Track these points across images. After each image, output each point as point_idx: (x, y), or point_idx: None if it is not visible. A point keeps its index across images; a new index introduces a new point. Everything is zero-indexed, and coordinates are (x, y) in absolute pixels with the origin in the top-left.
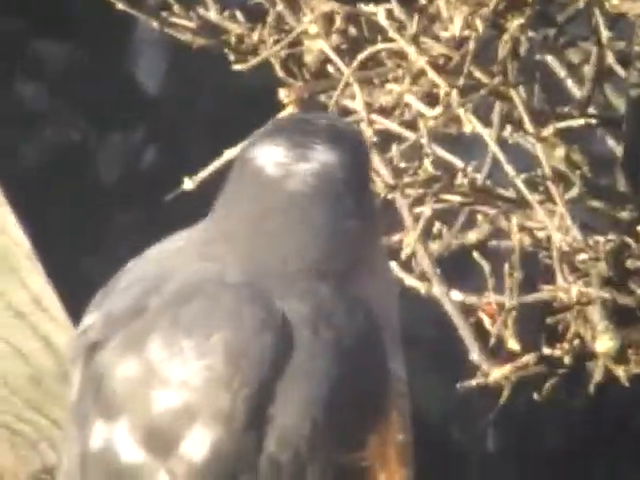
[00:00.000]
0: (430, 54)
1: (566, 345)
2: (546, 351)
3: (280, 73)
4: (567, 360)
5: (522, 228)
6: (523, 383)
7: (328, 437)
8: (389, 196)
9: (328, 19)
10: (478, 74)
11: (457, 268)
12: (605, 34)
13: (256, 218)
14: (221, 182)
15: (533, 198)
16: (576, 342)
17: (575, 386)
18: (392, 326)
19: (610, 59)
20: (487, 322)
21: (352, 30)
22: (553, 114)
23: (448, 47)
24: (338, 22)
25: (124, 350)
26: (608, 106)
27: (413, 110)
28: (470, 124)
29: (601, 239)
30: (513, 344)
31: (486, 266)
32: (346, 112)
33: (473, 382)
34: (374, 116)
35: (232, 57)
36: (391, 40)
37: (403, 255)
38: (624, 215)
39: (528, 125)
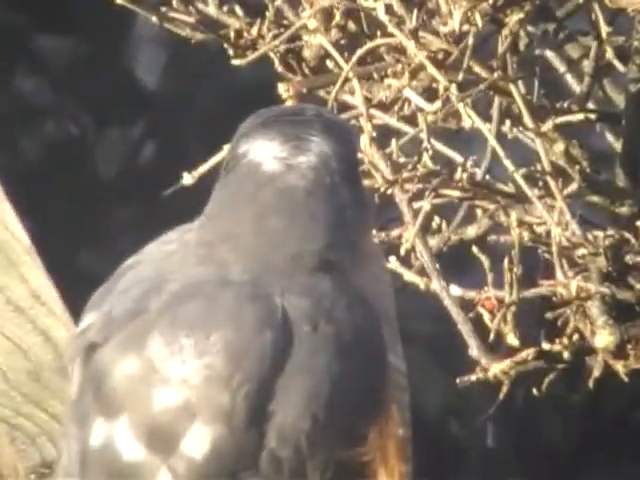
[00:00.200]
0: (429, 49)
1: (565, 340)
2: (545, 346)
3: (279, 68)
4: (566, 355)
5: (521, 223)
6: (522, 378)
7: (328, 432)
8: (388, 191)
9: (327, 14)
10: (477, 69)
11: (456, 263)
12: (604, 29)
13: (257, 217)
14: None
15: (532, 193)
16: (575, 337)
17: (574, 381)
18: (390, 318)
19: (609, 54)
20: (486, 317)
21: (351, 25)
22: (552, 109)
23: (447, 42)
24: (337, 17)
25: (124, 348)
26: (607, 101)
27: (412, 105)
28: (469, 119)
29: (600, 234)
30: (512, 339)
31: (485, 261)
32: (345, 107)
33: (472, 377)
34: (373, 111)
35: (231, 52)
36: (390, 35)
37: (402, 250)
38: (623, 210)
39: (527, 120)
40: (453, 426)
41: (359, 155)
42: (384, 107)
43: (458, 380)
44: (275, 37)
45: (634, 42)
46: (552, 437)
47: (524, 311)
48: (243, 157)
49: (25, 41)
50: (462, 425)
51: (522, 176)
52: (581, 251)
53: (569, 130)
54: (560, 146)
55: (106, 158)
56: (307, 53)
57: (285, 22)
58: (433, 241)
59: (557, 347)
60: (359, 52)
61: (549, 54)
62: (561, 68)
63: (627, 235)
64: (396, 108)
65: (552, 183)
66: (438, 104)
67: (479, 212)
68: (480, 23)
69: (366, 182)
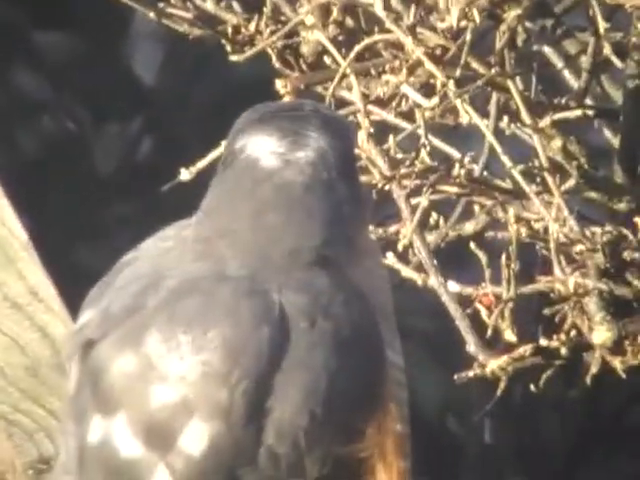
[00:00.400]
0: (427, 45)
1: (563, 336)
2: (543, 342)
3: (277, 64)
4: (564, 351)
5: (519, 219)
6: (520, 374)
7: (326, 428)
8: (386, 187)
9: (325, 10)
10: (475, 65)
11: (454, 259)
12: (602, 25)
13: (254, 212)
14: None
15: (530, 189)
16: (573, 333)
17: (572, 377)
18: (387, 314)
19: (607, 50)
20: (484, 313)
21: (349, 21)
22: (550, 105)
23: (445, 38)
24: (335, 13)
25: (122, 345)
26: (605, 97)
27: (410, 101)
28: (467, 115)
29: (598, 230)
30: (510, 335)
31: (483, 257)
32: (343, 103)
33: (470, 373)
34: (371, 107)
35: (229, 48)
36: (388, 31)
37: (400, 246)
38: (621, 206)
39: (525, 116)
40: (451, 422)
41: (356, 151)
42: (382, 103)
43: (456, 376)
44: (273, 33)
45: (632, 38)
46: (550, 433)
47: (522, 307)
48: (241, 152)
49: (23, 37)
50: (460, 421)
51: (520, 172)
52: (579, 247)
53: (567, 126)
54: (558, 142)
55: (104, 154)
56: (305, 49)
57: (283, 18)
58: (431, 237)
59: (555, 343)
60: (357, 48)
61: (547, 50)
62: (559, 64)
63: (625, 231)
64: (394, 104)
65: (550, 179)
66: (436, 100)
67: (477, 208)
68: (478, 19)
69: (363, 178)
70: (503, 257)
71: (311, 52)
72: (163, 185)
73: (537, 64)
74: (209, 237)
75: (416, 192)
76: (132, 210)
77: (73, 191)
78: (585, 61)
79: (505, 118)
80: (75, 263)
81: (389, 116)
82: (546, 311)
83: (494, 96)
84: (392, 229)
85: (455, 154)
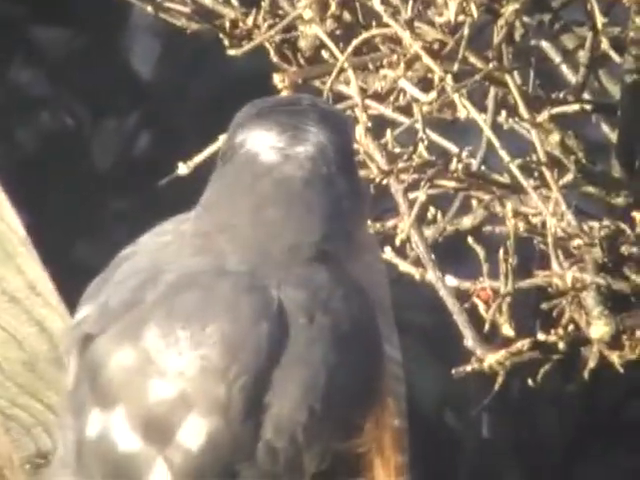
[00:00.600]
0: (425, 39)
1: (561, 331)
2: (540, 337)
3: (274, 58)
4: (562, 346)
5: (517, 213)
6: (517, 369)
7: (325, 424)
8: (384, 181)
9: (322, 4)
10: (473, 59)
11: (452, 254)
12: (600, 20)
13: (254, 207)
14: (215, 168)
15: (528, 184)
16: (571, 328)
17: (570, 372)
18: (385, 308)
19: (605, 45)
20: (482, 308)
21: (347, 15)
22: (548, 100)
23: (443, 32)
24: (333, 7)
25: (120, 339)
26: (603, 92)
27: (408, 95)
28: (465, 109)
29: (596, 225)
30: (507, 330)
31: (481, 252)
32: (341, 97)
33: (467, 368)
34: (369, 101)
35: (226, 42)
36: (386, 25)
37: (398, 240)
38: (619, 201)
39: (523, 110)
40: (448, 417)
41: (355, 145)
42: (379, 97)
43: (453, 371)
44: (270, 27)
45: (630, 32)
46: (547, 428)
47: (519, 302)
48: (240, 147)
49: (21, 32)
50: (457, 416)
51: (518, 167)
52: (577, 242)
53: (565, 121)
54: (556, 137)
55: (102, 149)
56: (302, 43)
57: (280, 12)
58: (428, 232)
59: (552, 338)
60: (354, 42)
61: (545, 44)
62: (557, 59)
63: (623, 226)
64: (391, 98)
65: (548, 174)
66: (433, 94)
67: (474, 203)
68: (475, 13)
69: (361, 172)
70: (501, 251)
71: (309, 46)
72: (161, 180)
73: (535, 59)
74: (208, 232)
75: (414, 186)
76: (130, 205)
77: (71, 186)
78: (583, 56)
79: (503, 112)
80: (73, 258)
81: (387, 110)
82: (544, 305)
83: (492, 91)
84: (390, 223)
85: (453, 148)
